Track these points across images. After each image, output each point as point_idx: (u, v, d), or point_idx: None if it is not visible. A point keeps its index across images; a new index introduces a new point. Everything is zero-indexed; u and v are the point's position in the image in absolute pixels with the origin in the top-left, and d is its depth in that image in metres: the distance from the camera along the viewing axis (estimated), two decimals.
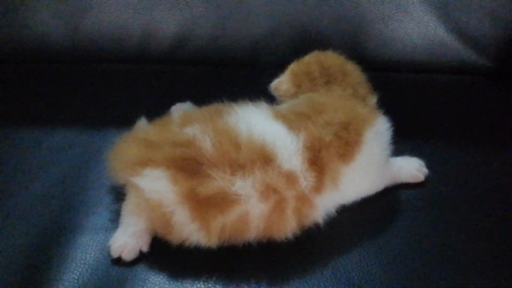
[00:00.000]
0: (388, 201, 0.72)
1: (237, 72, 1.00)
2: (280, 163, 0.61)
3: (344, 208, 0.68)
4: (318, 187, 0.62)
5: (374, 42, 0.99)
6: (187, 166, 0.60)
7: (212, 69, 1.02)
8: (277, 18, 0.99)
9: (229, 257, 0.62)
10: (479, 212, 0.70)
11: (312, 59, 0.79)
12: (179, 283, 0.60)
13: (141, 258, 0.63)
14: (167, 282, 0.60)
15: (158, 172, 0.61)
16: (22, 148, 0.81)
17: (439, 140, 0.83)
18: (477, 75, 1.01)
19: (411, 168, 0.74)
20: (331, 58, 0.79)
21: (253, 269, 0.62)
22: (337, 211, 0.66)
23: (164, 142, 0.63)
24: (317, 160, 0.62)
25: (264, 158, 0.60)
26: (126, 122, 0.76)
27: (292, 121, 0.65)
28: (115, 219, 0.67)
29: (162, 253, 0.63)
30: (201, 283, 0.60)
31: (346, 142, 0.65)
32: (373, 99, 0.77)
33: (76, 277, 0.61)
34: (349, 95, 0.74)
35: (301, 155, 0.62)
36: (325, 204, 0.65)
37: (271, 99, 0.77)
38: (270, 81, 0.81)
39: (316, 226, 0.65)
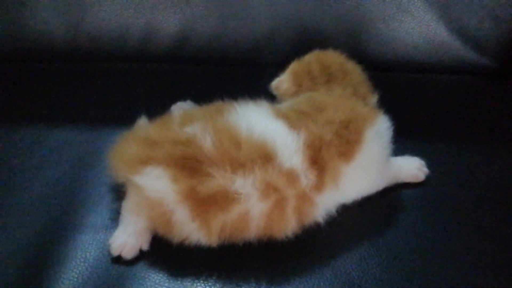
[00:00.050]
0: (388, 200, 0.72)
1: (237, 71, 1.00)
2: (280, 161, 0.61)
3: (345, 207, 0.68)
4: (319, 186, 0.63)
5: (374, 42, 0.99)
6: (188, 164, 0.60)
7: (212, 68, 1.02)
8: (277, 17, 0.99)
9: (229, 256, 0.62)
10: (479, 212, 0.70)
11: (312, 58, 0.79)
12: (179, 282, 0.60)
13: (141, 256, 0.63)
14: (167, 280, 0.61)
15: (158, 171, 0.61)
16: (22, 146, 0.81)
17: (439, 139, 0.83)
18: (478, 75, 1.01)
19: (411, 168, 0.74)
20: (332, 57, 0.79)
21: (253, 268, 0.62)
22: (337, 210, 0.66)
23: (165, 140, 0.63)
24: (317, 159, 0.62)
25: (265, 156, 0.60)
26: (126, 121, 0.76)
27: (293, 120, 0.65)
28: (115, 217, 0.67)
29: (162, 251, 0.63)
30: (201, 282, 0.60)
31: (347, 141, 0.65)
32: (373, 99, 0.77)
33: (76, 276, 0.61)
34: (349, 94, 0.74)
35: (301, 153, 0.62)
36: (325, 203, 0.65)
37: (271, 98, 0.77)
38: (270, 80, 0.81)
39: (317, 225, 0.65)
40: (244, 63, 1.02)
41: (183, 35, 1.01)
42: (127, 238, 0.63)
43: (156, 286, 0.60)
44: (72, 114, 0.88)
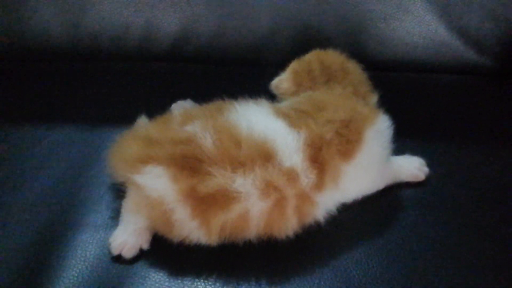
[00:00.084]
0: (388, 200, 0.72)
1: (238, 71, 1.00)
2: (280, 160, 0.61)
3: (345, 207, 0.68)
4: (319, 185, 0.62)
5: (375, 41, 0.99)
6: (188, 164, 0.60)
7: (213, 67, 1.02)
8: (278, 16, 0.99)
9: (229, 255, 0.62)
10: (480, 212, 0.70)
11: (313, 58, 0.79)
12: (179, 281, 0.60)
13: (141, 256, 0.63)
14: (167, 280, 0.60)
15: (158, 170, 0.61)
16: (22, 145, 0.81)
17: (440, 139, 0.83)
18: (478, 74, 1.01)
19: (411, 167, 0.74)
20: (332, 57, 0.79)
21: (253, 267, 0.62)
22: (337, 210, 0.66)
23: (165, 140, 0.63)
24: (318, 158, 0.62)
25: (265, 155, 0.60)
26: (126, 120, 0.76)
27: (293, 119, 0.65)
28: (115, 217, 0.67)
29: (163, 251, 0.63)
30: (201, 281, 0.60)
31: (347, 140, 0.65)
32: (373, 98, 0.77)
33: (76, 275, 0.61)
34: (349, 94, 0.74)
35: (302, 152, 0.62)
36: (325, 202, 0.65)
37: (272, 98, 0.77)
38: (271, 79, 0.81)
39: (317, 224, 0.65)
40: (244, 63, 1.02)
41: (183, 34, 1.01)
42: (127, 237, 0.63)
43: (156, 285, 0.60)
44: (72, 113, 0.88)
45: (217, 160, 0.60)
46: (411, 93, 0.96)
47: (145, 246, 0.63)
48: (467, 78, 1.01)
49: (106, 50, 1.03)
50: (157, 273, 0.61)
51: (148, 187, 0.61)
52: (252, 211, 0.60)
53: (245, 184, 0.59)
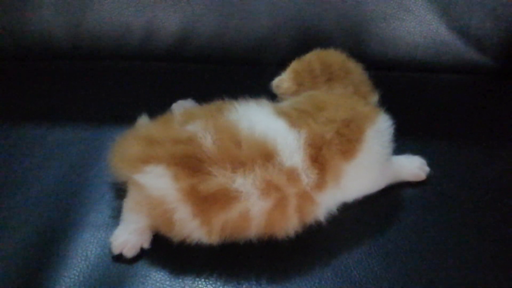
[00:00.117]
0: (389, 199, 0.72)
1: (238, 70, 1.00)
2: (281, 160, 0.61)
3: (346, 206, 0.68)
4: (320, 185, 0.62)
5: (375, 41, 0.99)
6: (189, 163, 0.60)
7: (213, 67, 1.02)
8: (279, 16, 0.99)
9: (230, 255, 0.62)
10: (480, 211, 0.70)
11: (313, 57, 0.79)
12: (180, 280, 0.60)
13: (142, 255, 0.63)
14: (168, 279, 0.61)
15: (159, 169, 0.61)
16: (23, 145, 0.81)
17: (441, 139, 0.83)
18: (479, 74, 1.01)
19: (412, 167, 0.74)
20: (333, 56, 0.79)
21: (254, 267, 0.62)
22: (338, 209, 0.66)
23: (166, 139, 0.64)
24: (318, 157, 0.62)
25: (265, 155, 0.60)
26: (127, 119, 0.76)
27: (294, 118, 0.65)
28: (116, 216, 0.67)
29: (163, 250, 0.63)
30: (202, 280, 0.60)
31: (348, 140, 0.65)
32: (374, 98, 0.77)
33: (77, 274, 0.61)
34: (350, 93, 0.74)
35: (302, 152, 0.62)
36: (326, 202, 0.65)
37: (272, 97, 0.77)
38: (271, 79, 0.80)
39: (318, 224, 0.65)
40: (245, 62, 1.02)
41: (184, 34, 1.01)
42: (128, 236, 0.63)
43: (157, 284, 0.60)
44: (73, 113, 0.89)
45: (218, 159, 0.60)
46: (411, 93, 0.96)
47: (146, 245, 0.63)
48: (468, 78, 1.00)
49: (107, 50, 1.03)
50: (158, 272, 0.61)
51: (149, 187, 0.61)
52: (252, 210, 0.60)
53: (245, 184, 0.59)
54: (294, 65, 0.79)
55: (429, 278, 0.61)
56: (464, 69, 1.01)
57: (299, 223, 0.63)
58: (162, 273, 0.61)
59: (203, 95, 0.77)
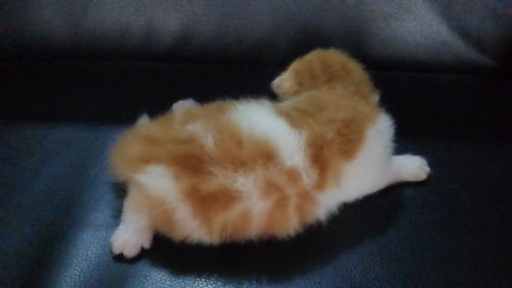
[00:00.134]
0: (390, 199, 0.72)
1: (239, 70, 1.00)
2: (282, 160, 0.61)
3: (346, 206, 0.68)
4: (320, 184, 0.62)
5: (376, 41, 0.99)
6: (189, 163, 0.60)
7: (214, 67, 1.02)
8: (279, 16, 0.99)
9: (230, 254, 0.62)
10: (481, 211, 0.70)
11: (314, 57, 0.79)
12: (180, 280, 0.60)
13: (143, 255, 0.63)
14: (169, 278, 0.61)
15: (160, 169, 0.61)
16: (24, 145, 0.81)
17: (441, 139, 0.83)
18: (479, 74, 1.01)
19: (413, 167, 0.74)
20: (334, 56, 0.79)
21: (254, 266, 0.62)
22: (339, 209, 0.66)
23: (166, 139, 0.64)
24: (319, 157, 0.62)
25: (266, 155, 0.61)
26: (128, 119, 0.76)
27: (294, 118, 0.65)
28: (117, 216, 0.67)
29: (164, 250, 0.63)
30: (203, 280, 0.60)
31: (348, 140, 0.65)
32: (375, 98, 0.77)
33: (78, 273, 0.61)
34: (351, 93, 0.74)
35: (303, 152, 0.62)
36: (327, 202, 0.65)
37: (273, 97, 0.77)
38: (272, 79, 0.81)
39: (318, 223, 0.65)
40: (245, 62, 1.02)
41: (184, 33, 1.01)
42: (129, 236, 0.63)
43: (158, 284, 0.60)
44: (73, 113, 0.89)
45: (219, 159, 0.60)
46: (412, 93, 0.96)
47: (147, 245, 0.63)
48: (468, 78, 1.00)
49: (107, 50, 1.03)
50: (159, 272, 0.61)
51: (149, 186, 0.61)
52: (253, 210, 0.60)
53: (246, 184, 0.59)
54: (295, 65, 0.80)
55: (429, 278, 0.61)
56: (465, 69, 1.01)
57: (299, 223, 0.63)
58: (162, 273, 0.61)
59: (204, 95, 0.77)
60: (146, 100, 0.89)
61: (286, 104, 0.72)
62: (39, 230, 0.67)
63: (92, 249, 0.64)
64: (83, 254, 0.63)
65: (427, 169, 0.74)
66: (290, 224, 0.62)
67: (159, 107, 0.76)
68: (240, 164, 0.60)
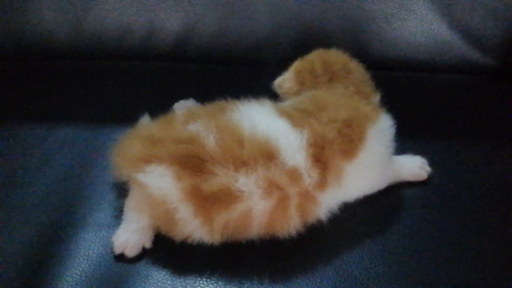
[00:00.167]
0: (391, 199, 0.72)
1: (239, 70, 1.00)
2: (283, 160, 0.61)
3: (347, 206, 0.68)
4: (322, 184, 0.63)
5: (377, 41, 0.99)
6: (191, 163, 0.60)
7: (215, 66, 1.02)
8: (280, 16, 0.99)
9: (231, 254, 0.62)
10: (482, 211, 0.70)
11: (315, 57, 0.79)
12: (181, 280, 0.60)
13: (144, 254, 0.63)
14: (170, 278, 0.61)
15: (161, 168, 0.61)
16: (25, 145, 0.81)
17: (442, 138, 0.83)
18: (480, 74, 1.01)
19: (413, 167, 0.74)
20: (335, 56, 0.79)
21: (255, 266, 0.62)
22: (340, 209, 0.66)
23: (168, 139, 0.64)
24: (320, 157, 0.63)
25: (268, 155, 0.61)
26: (129, 119, 0.76)
27: (296, 118, 0.65)
28: (118, 215, 0.67)
29: (165, 249, 0.63)
30: (204, 279, 0.60)
31: (349, 139, 0.65)
32: (376, 98, 0.77)
33: (79, 273, 0.61)
34: (352, 93, 0.74)
35: (304, 151, 0.62)
36: (328, 201, 0.65)
37: (273, 97, 0.77)
38: (272, 79, 0.81)
39: (319, 223, 0.65)
40: (246, 62, 1.02)
41: (185, 33, 1.01)
42: (130, 236, 0.63)
43: (159, 283, 0.60)
44: (74, 113, 0.89)
45: (220, 159, 0.60)
46: (413, 93, 0.96)
47: (148, 244, 0.63)
48: (469, 78, 1.00)
49: (108, 50, 1.03)
50: (160, 271, 0.61)
51: (151, 186, 0.61)
52: (254, 210, 0.60)
53: (247, 183, 0.59)
54: (296, 64, 0.80)
55: (429, 277, 0.61)
56: (465, 69, 1.01)
57: (300, 223, 0.63)
58: (163, 273, 0.61)
59: (205, 95, 0.77)
60: (147, 100, 0.89)
61: (287, 104, 0.72)
62: (40, 230, 0.67)
63: (93, 249, 0.64)
64: (84, 253, 0.63)
65: (428, 169, 0.74)
66: (291, 224, 0.62)
67: (160, 107, 0.76)
68: (241, 163, 0.60)
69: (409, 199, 0.72)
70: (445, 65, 1.01)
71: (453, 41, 0.99)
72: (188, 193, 0.59)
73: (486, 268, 0.62)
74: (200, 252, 0.62)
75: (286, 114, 0.66)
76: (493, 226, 0.68)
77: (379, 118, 0.69)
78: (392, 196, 0.72)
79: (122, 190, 0.68)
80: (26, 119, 0.87)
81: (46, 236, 0.66)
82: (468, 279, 0.61)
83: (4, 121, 0.86)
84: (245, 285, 0.60)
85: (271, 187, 0.60)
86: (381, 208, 0.70)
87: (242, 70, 1.00)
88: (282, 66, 0.81)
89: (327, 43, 0.83)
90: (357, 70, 0.78)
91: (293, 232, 0.63)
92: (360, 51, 0.86)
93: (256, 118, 0.65)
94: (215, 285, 0.60)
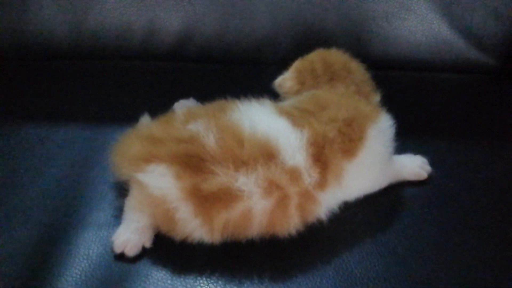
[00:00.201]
0: (391, 198, 0.72)
1: (240, 70, 1.00)
2: (283, 159, 0.61)
3: (347, 205, 0.68)
4: (322, 184, 0.63)
5: (377, 40, 0.99)
6: (191, 162, 0.60)
7: (215, 66, 1.02)
8: (280, 15, 0.99)
9: (232, 254, 0.62)
10: (482, 210, 0.70)
11: (316, 57, 0.79)
12: (181, 279, 0.60)
13: (144, 254, 0.63)
14: (170, 278, 0.61)
15: (161, 168, 0.61)
16: (25, 144, 0.81)
17: (442, 138, 0.83)
18: (480, 73, 1.01)
19: (414, 166, 0.74)
20: (335, 56, 0.79)
21: (255, 266, 0.62)
22: (340, 208, 0.66)
23: (168, 138, 0.64)
24: (320, 156, 0.63)
25: (268, 154, 0.61)
26: (129, 118, 0.76)
27: (296, 118, 0.65)
28: (118, 215, 0.67)
29: (165, 249, 0.63)
30: (204, 279, 0.60)
31: (350, 139, 0.65)
32: (376, 98, 0.77)
33: (79, 273, 0.61)
34: (352, 93, 0.74)
35: (305, 151, 0.62)
36: (328, 201, 0.65)
37: (273, 97, 0.77)
38: (272, 79, 0.81)
39: (319, 223, 0.65)
40: (246, 62, 1.03)
41: (185, 33, 1.01)
42: (130, 235, 0.63)
43: (159, 283, 0.60)
44: (75, 112, 0.89)
45: (220, 158, 0.60)
46: (413, 92, 0.96)
47: (148, 244, 0.63)
48: (470, 77, 1.01)
49: (109, 49, 1.03)
50: (160, 271, 0.61)
51: (151, 186, 0.61)
52: (254, 209, 0.60)
53: (248, 183, 0.59)
54: (297, 64, 0.80)
55: (429, 277, 0.61)
56: (466, 69, 1.01)
57: (300, 222, 0.63)
58: (163, 272, 0.61)
59: (205, 95, 0.77)
60: (147, 100, 0.89)
61: (287, 104, 0.72)
62: (40, 230, 0.67)
63: (93, 248, 0.64)
64: (84, 253, 0.63)
65: (428, 168, 0.74)
66: (291, 223, 0.62)
67: (160, 106, 0.76)
68: (241, 163, 0.60)
69: (409, 199, 0.72)
70: (445, 64, 1.01)
71: (454, 41, 0.99)
72: (188, 193, 0.59)
73: (486, 268, 0.62)
74: (200, 251, 0.62)
75: (287, 114, 0.66)
76: (493, 225, 0.68)
77: (379, 118, 0.69)
78: (392, 196, 0.72)
79: (122, 189, 0.68)
80: (26, 118, 0.87)
81: (46, 236, 0.66)
82: (468, 279, 0.61)
83: (4, 120, 0.86)
84: (245, 285, 0.60)
85: (271, 186, 0.60)
86: (381, 207, 0.70)
87: (242, 70, 1.00)
88: (282, 66, 0.81)
89: (327, 43, 0.83)
90: (358, 70, 0.78)
91: (293, 231, 0.63)
92: (360, 51, 0.86)
93: (256, 117, 0.65)
94: (215, 284, 0.60)
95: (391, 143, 0.70)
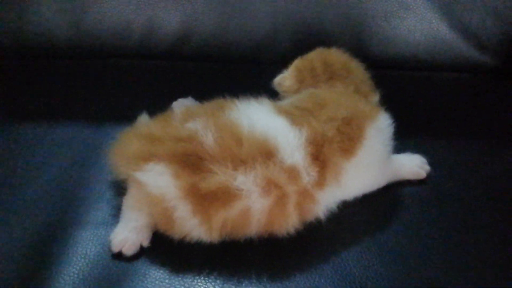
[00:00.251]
0: (390, 197, 0.72)
1: (239, 69, 1.00)
2: (282, 158, 0.61)
3: (346, 204, 0.68)
4: (320, 183, 0.62)
5: (376, 39, 0.99)
6: (189, 161, 0.60)
7: (214, 65, 1.02)
8: (279, 15, 0.99)
9: (230, 253, 0.62)
10: (481, 210, 0.70)
11: (316, 56, 0.79)
12: (179, 278, 0.60)
13: (142, 253, 0.63)
14: (168, 277, 0.60)
15: (160, 167, 0.61)
16: (24, 143, 0.81)
17: (441, 137, 0.83)
18: (479, 73, 1.01)
19: (412, 165, 0.74)
20: (335, 55, 0.79)
21: (254, 265, 0.62)
22: (338, 207, 0.66)
23: (166, 137, 0.64)
24: (319, 155, 0.62)
25: (266, 153, 0.61)
26: (127, 117, 0.76)
27: (295, 116, 0.65)
28: (116, 214, 0.67)
29: (163, 248, 0.63)
30: (202, 278, 0.60)
31: (348, 138, 0.65)
32: (375, 97, 0.77)
33: (77, 272, 0.61)
34: (351, 92, 0.74)
35: (303, 150, 0.62)
36: (326, 200, 0.65)
37: (272, 96, 0.77)
38: (271, 78, 0.81)
39: (318, 221, 0.65)
40: (245, 61, 1.03)
41: (184, 32, 1.01)
42: (128, 234, 0.63)
43: (157, 282, 0.60)
44: (73, 111, 0.89)
45: (219, 157, 0.60)
46: (412, 91, 0.96)
47: (146, 243, 0.63)
48: (468, 76, 1.01)
49: (107, 48, 1.03)
50: (158, 270, 0.61)
51: (149, 184, 0.61)
52: (253, 208, 0.60)
53: (246, 182, 0.59)
54: (297, 63, 0.80)
55: (428, 276, 0.61)
56: (465, 68, 1.01)
57: (299, 221, 0.63)
58: (161, 271, 0.61)
59: (203, 94, 0.76)
60: (145, 98, 0.89)
61: (286, 102, 0.72)
62: (38, 228, 0.66)
63: (91, 247, 0.64)
64: (82, 252, 0.63)
65: (427, 167, 0.74)
66: (289, 222, 0.62)
67: (158, 105, 0.76)
68: (240, 162, 0.60)
69: (408, 198, 0.72)
70: (444, 63, 1.01)
71: (453, 40, 0.99)
72: (187, 192, 0.59)
73: (486, 268, 0.62)
74: (199, 250, 0.62)
75: (285, 112, 0.66)
76: (492, 225, 0.68)
77: (378, 117, 0.69)
78: (391, 195, 0.72)
79: (120, 188, 0.68)
80: (26, 117, 0.87)
81: (44, 235, 0.66)
82: (468, 279, 0.61)
83: (4, 119, 0.86)
84: (244, 284, 0.60)
85: (270, 185, 0.60)
86: (380, 206, 0.70)
87: (242, 69, 1.00)
88: (281, 65, 0.81)
89: (326, 42, 0.83)
90: (357, 69, 0.78)
91: (291, 230, 0.63)
92: (359, 50, 0.86)
93: (255, 116, 0.65)
94: (213, 283, 0.60)
95: (390, 142, 0.70)
